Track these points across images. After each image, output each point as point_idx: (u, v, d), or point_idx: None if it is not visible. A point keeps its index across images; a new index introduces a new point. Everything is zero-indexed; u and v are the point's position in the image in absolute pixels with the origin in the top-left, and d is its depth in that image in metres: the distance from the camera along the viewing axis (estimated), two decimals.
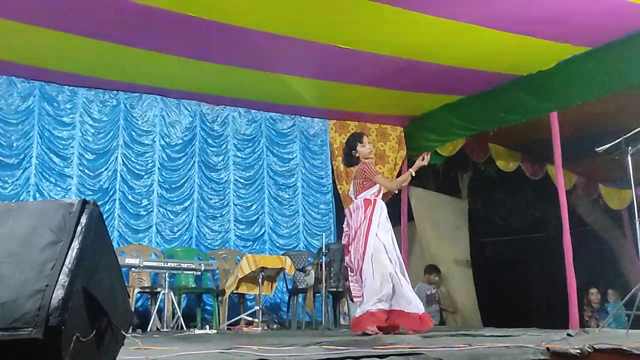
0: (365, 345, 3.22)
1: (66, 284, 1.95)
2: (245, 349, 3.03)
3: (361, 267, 5.29)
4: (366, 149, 5.67)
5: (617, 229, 12.04)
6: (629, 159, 5.04)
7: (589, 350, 2.67)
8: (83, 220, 2.11)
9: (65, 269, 1.98)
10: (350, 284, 5.60)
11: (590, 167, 10.15)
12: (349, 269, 5.61)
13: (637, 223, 5.03)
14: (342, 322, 7.53)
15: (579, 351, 2.65)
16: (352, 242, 5.47)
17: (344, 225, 5.76)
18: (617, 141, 5.06)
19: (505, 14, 5.84)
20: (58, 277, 1.96)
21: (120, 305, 2.36)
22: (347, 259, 5.60)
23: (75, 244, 2.04)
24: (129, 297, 6.05)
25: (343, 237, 5.75)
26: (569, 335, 4.05)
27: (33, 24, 5.95)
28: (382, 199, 5.60)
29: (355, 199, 5.59)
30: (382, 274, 5.22)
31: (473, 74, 7.23)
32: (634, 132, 4.96)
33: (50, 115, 7.47)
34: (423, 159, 5.63)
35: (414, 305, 5.20)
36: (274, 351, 2.89)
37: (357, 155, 5.67)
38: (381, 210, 5.48)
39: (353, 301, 5.74)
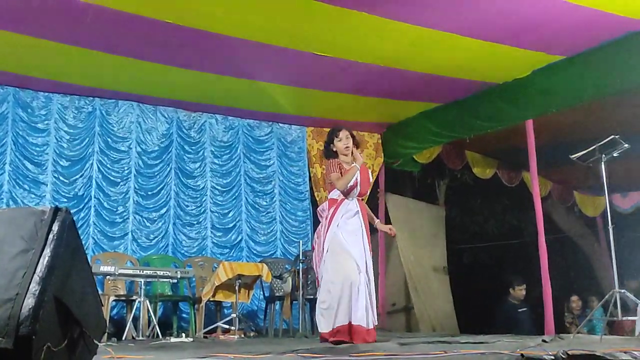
0: (342, 353, 3.21)
1: (37, 292, 1.93)
2: (221, 358, 3.00)
3: (320, 274, 5.11)
4: (342, 144, 5.36)
5: (591, 236, 12.17)
6: (603, 166, 5.11)
7: (563, 356, 2.69)
8: (55, 228, 2.08)
9: (36, 278, 1.96)
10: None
11: (566, 175, 10.25)
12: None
13: (611, 230, 5.10)
14: None
15: (552, 357, 2.66)
16: (315, 245, 5.31)
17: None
18: (591, 149, 5.13)
19: (481, 23, 5.88)
20: (29, 286, 1.94)
21: (93, 313, 2.34)
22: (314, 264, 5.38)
23: (47, 252, 2.02)
24: (103, 306, 5.97)
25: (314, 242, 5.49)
26: (543, 341, 4.08)
27: (6, 30, 5.88)
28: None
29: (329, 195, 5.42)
30: (337, 285, 4.92)
31: (450, 81, 7.27)
32: (607, 140, 5.03)
33: (25, 122, 7.38)
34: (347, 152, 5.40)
35: (363, 318, 4.89)
36: (249, 359, 2.87)
37: (334, 149, 5.41)
38: (346, 211, 5.19)
39: None
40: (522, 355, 2.65)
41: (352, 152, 5.35)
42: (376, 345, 4.08)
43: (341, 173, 5.24)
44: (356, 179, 5.24)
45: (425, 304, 9.29)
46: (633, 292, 5.35)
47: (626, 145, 5.02)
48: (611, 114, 7.40)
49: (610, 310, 4.80)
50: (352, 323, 4.85)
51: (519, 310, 8.81)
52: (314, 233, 8.86)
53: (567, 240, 12.25)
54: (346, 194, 5.21)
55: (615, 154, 5.10)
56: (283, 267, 7.94)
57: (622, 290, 4.81)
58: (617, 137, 5.01)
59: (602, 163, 5.10)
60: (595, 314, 6.85)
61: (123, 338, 6.29)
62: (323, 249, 5.08)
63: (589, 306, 9.76)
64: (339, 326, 4.85)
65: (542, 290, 6.94)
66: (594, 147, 5.10)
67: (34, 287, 1.93)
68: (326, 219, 5.19)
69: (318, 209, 5.50)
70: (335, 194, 5.26)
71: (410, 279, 9.22)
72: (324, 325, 4.94)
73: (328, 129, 9.02)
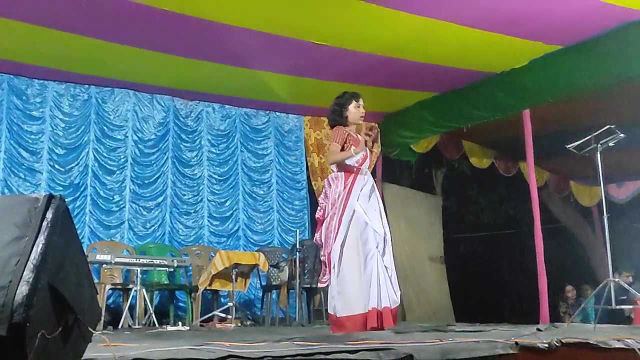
0: (337, 341, 3.21)
1: (31, 280, 1.92)
2: (217, 345, 3.01)
3: (330, 250, 4.66)
4: (359, 110, 4.95)
5: (587, 225, 12.21)
6: (599, 156, 5.11)
7: (557, 344, 2.71)
8: (49, 215, 2.07)
9: (30, 265, 1.95)
10: (322, 265, 4.92)
11: (562, 165, 10.28)
12: (318, 246, 4.98)
13: (606, 220, 5.10)
14: None
15: (547, 345, 2.68)
16: (327, 217, 4.79)
17: (320, 197, 5.03)
18: (586, 139, 5.12)
19: (479, 12, 5.87)
20: (22, 273, 1.93)
21: (88, 301, 2.33)
22: (317, 235, 4.88)
23: (41, 240, 2.01)
24: (98, 294, 5.98)
25: (318, 211, 4.96)
26: (538, 330, 4.09)
27: (1, 16, 5.85)
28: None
29: (335, 169, 4.91)
30: (352, 266, 4.59)
31: (447, 71, 7.26)
32: (603, 129, 5.02)
33: (19, 109, 7.35)
34: (369, 134, 4.96)
35: (390, 299, 4.59)
36: (245, 347, 2.87)
37: (346, 115, 4.94)
38: (363, 183, 4.80)
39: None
40: (516, 343, 2.66)
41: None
42: (371, 334, 4.09)
43: (344, 146, 4.82)
44: (366, 152, 4.92)
45: (420, 293, 9.31)
46: None
47: (622, 135, 5.01)
48: (607, 104, 7.40)
49: (604, 299, 4.82)
50: (377, 308, 4.54)
51: (621, 298, 8.55)
52: (310, 223, 8.93)
53: (564, 230, 12.29)
54: (359, 165, 4.84)
55: (610, 144, 5.09)
56: (280, 256, 7.95)
57: (616, 279, 4.83)
58: (612, 126, 5.01)
59: (598, 153, 5.10)
60: (589, 303, 6.88)
61: (119, 326, 6.31)
62: (340, 223, 4.67)
63: (583, 295, 9.81)
64: (358, 314, 4.55)
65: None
66: (589, 136, 5.10)
67: (28, 275, 1.93)
68: (345, 188, 4.73)
69: (330, 176, 4.94)
70: (350, 162, 4.82)
71: (401, 270, 9.22)
72: (341, 308, 4.62)
73: (326, 118, 9.13)
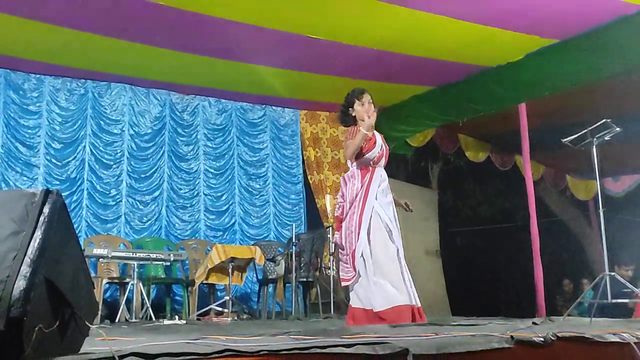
0: (333, 335, 3.22)
1: (28, 274, 1.92)
2: (212, 339, 3.01)
3: (354, 249, 4.60)
4: (364, 108, 4.80)
5: (583, 219, 12.23)
6: (594, 150, 5.11)
7: (552, 338, 2.71)
8: (46, 210, 2.07)
9: (27, 260, 1.95)
10: (341, 263, 4.86)
11: (558, 158, 10.29)
12: (339, 247, 4.87)
13: (601, 213, 5.11)
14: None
15: (542, 339, 2.68)
16: (345, 217, 4.72)
17: (338, 196, 4.96)
18: (582, 132, 5.12)
19: (475, 6, 5.87)
20: (20, 268, 1.93)
21: (84, 296, 2.34)
22: (337, 235, 4.82)
23: (38, 234, 2.01)
24: (95, 288, 5.99)
25: (336, 209, 4.91)
26: (534, 323, 4.10)
27: None
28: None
29: (351, 166, 4.84)
30: (378, 263, 4.55)
31: (443, 65, 7.26)
32: (599, 123, 5.02)
33: (16, 104, 7.35)
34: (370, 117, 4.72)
35: (403, 297, 4.60)
36: (241, 341, 2.88)
37: (353, 114, 4.87)
38: (380, 180, 4.76)
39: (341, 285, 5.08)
40: (511, 337, 2.66)
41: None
42: (367, 327, 4.09)
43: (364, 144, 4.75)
44: (382, 149, 4.87)
45: (415, 287, 9.30)
46: None
47: (618, 128, 5.01)
48: (603, 98, 7.41)
49: (601, 293, 4.83)
50: (410, 305, 4.59)
51: (623, 290, 8.47)
52: (307, 216, 8.95)
53: (560, 224, 12.31)
54: (375, 162, 4.78)
55: (606, 138, 5.09)
56: (276, 249, 7.96)
57: (612, 273, 4.84)
58: (608, 120, 5.01)
59: (594, 147, 5.10)
60: (586, 297, 6.90)
61: (116, 320, 6.32)
62: (360, 222, 4.62)
63: (581, 289, 9.83)
64: (396, 306, 4.53)
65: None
66: (585, 130, 5.09)
67: (25, 269, 1.93)
68: (362, 187, 4.68)
69: (346, 174, 4.89)
70: (365, 162, 4.78)
71: None
72: (381, 302, 4.55)
73: (321, 112, 9.17)
